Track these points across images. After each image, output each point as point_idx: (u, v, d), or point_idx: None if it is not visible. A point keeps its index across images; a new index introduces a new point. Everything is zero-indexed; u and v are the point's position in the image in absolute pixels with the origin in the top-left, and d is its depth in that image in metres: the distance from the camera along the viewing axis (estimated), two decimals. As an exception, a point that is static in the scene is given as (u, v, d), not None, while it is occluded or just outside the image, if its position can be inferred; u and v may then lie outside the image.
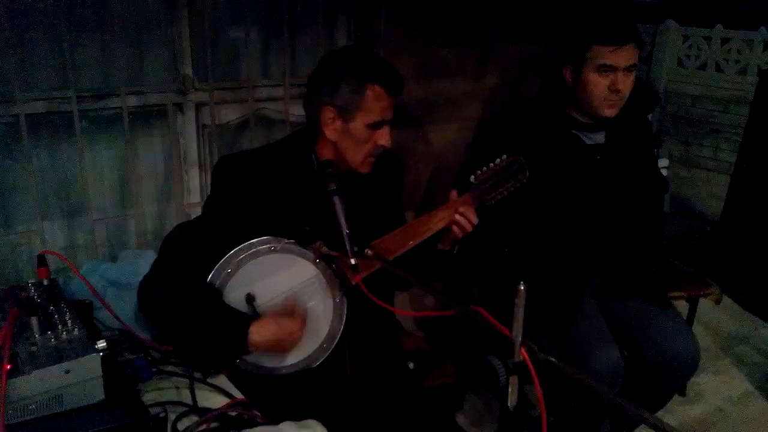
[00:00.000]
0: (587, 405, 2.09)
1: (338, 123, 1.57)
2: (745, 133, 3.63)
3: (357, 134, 1.58)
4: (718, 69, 6.19)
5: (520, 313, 1.04)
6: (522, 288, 1.03)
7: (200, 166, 2.47)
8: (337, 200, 1.54)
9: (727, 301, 3.61)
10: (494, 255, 2.23)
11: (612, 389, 2.01)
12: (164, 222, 2.47)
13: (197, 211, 2.45)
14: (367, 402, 1.69)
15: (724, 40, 6.09)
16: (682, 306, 2.64)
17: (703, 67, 6.32)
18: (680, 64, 6.35)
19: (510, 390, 1.08)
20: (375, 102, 1.56)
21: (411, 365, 2.02)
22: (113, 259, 2.30)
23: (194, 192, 2.47)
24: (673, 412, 2.57)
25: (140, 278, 1.61)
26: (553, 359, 1.06)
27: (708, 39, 6.21)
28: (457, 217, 1.64)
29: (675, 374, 2.12)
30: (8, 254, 2.16)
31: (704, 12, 6.19)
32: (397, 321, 1.92)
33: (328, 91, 1.56)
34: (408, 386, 1.80)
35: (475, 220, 1.65)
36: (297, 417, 1.43)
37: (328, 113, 1.57)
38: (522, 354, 1.05)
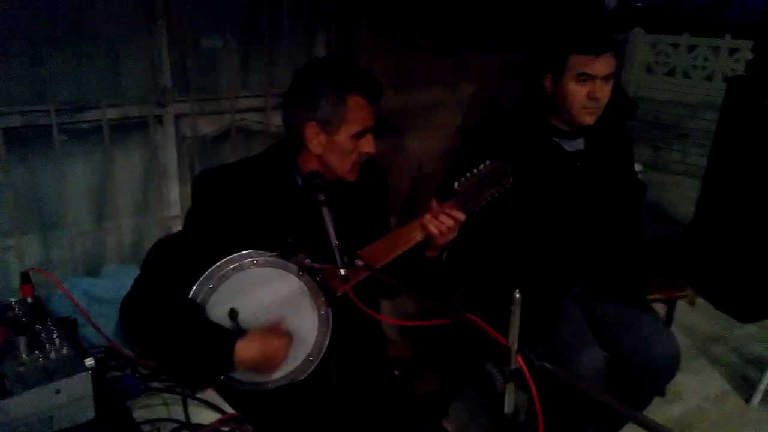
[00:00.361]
0: (573, 408, 2.11)
1: (322, 137, 1.57)
2: (715, 137, 3.72)
3: (342, 146, 1.57)
4: (686, 75, 6.35)
5: (515, 321, 1.05)
6: (518, 296, 1.04)
7: (180, 179, 2.44)
8: (325, 211, 1.53)
9: (700, 302, 3.70)
10: (478, 261, 2.25)
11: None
12: (143, 235, 2.44)
13: (177, 224, 2.43)
14: (354, 412, 1.69)
15: (691, 48, 6.26)
16: (660, 308, 2.69)
17: (671, 73, 6.47)
18: (649, 71, 6.50)
19: (506, 397, 1.09)
20: (357, 112, 1.55)
21: (397, 373, 2.02)
22: (92, 273, 2.26)
23: (174, 205, 2.45)
24: (653, 413, 2.59)
25: (125, 294, 1.58)
26: (548, 365, 1.07)
27: (675, 46, 6.38)
28: (439, 222, 1.62)
29: (657, 375, 2.15)
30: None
31: (671, 20, 6.35)
32: (382, 330, 1.92)
33: (309, 107, 1.54)
34: (396, 395, 1.80)
35: (455, 224, 1.65)
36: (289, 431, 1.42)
37: (311, 128, 1.56)
38: (518, 361, 1.06)
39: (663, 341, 2.12)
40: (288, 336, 1.53)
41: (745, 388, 2.95)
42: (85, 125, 2.19)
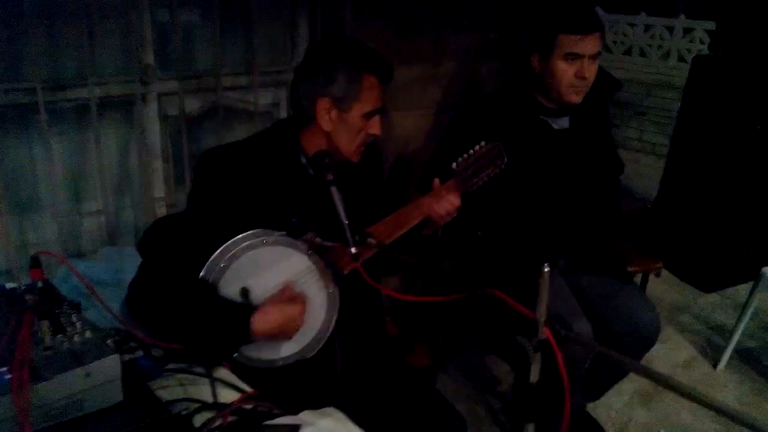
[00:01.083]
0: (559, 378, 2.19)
1: (334, 113, 1.58)
2: (678, 116, 3.85)
3: (352, 124, 1.59)
4: (642, 54, 6.51)
5: (544, 294, 1.10)
6: (546, 270, 1.09)
7: (164, 158, 2.40)
8: (334, 191, 1.54)
9: (665, 273, 3.86)
10: (468, 237, 2.29)
11: (585, 361, 2.13)
12: (128, 216, 2.40)
13: (162, 205, 2.40)
14: (357, 389, 1.72)
15: (647, 27, 6.41)
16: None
17: (628, 52, 6.63)
18: (607, 49, 6.64)
19: (533, 367, 1.14)
20: (370, 91, 1.57)
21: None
22: (76, 255, 2.22)
23: (158, 185, 2.40)
24: (628, 379, 2.72)
25: (123, 276, 1.57)
26: (573, 335, 1.12)
27: (632, 26, 6.52)
28: (443, 202, 1.68)
29: (639, 344, 2.26)
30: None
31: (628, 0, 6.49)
32: (383, 308, 1.95)
33: (324, 82, 1.55)
34: (393, 366, 1.83)
35: (458, 204, 1.70)
36: (303, 405, 1.44)
37: (324, 104, 1.57)
38: (545, 332, 1.11)
39: (645, 312, 2.22)
40: (302, 301, 1.55)
41: (711, 354, 3.12)
42: (66, 104, 2.12)
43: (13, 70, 1.97)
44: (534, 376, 1.15)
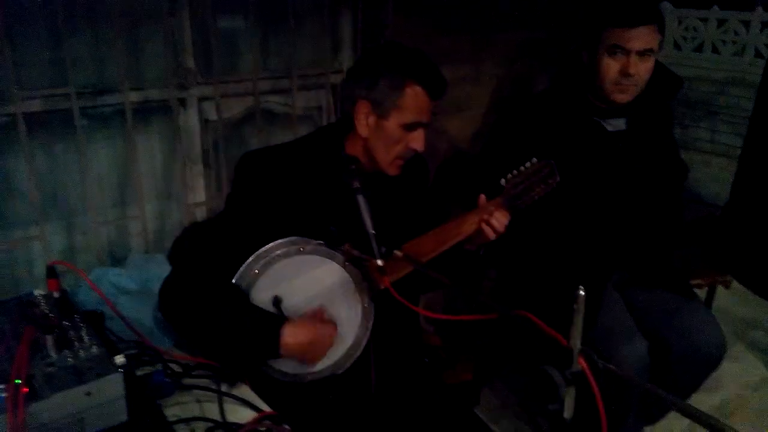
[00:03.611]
0: (614, 399, 2.04)
1: (372, 119, 1.51)
2: (752, 116, 3.57)
3: (389, 133, 1.51)
4: (715, 50, 6.16)
5: (579, 320, 0.97)
6: (582, 293, 0.96)
7: (204, 163, 2.37)
8: (360, 199, 1.46)
9: (735, 285, 3.59)
10: (512, 248, 2.16)
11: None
12: (167, 222, 2.38)
13: (202, 210, 2.37)
14: (392, 409, 1.63)
15: (720, 22, 6.06)
16: (699, 293, 2.60)
17: (699, 48, 6.28)
18: (676, 46, 6.31)
19: (567, 401, 1.02)
20: (413, 102, 1.49)
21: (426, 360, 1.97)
22: (116, 261, 2.21)
23: (198, 190, 2.38)
24: (692, 402, 2.52)
25: (152, 284, 1.53)
26: (613, 367, 1.00)
27: (704, 20, 6.17)
28: (492, 221, 1.56)
29: (701, 366, 2.08)
30: (5, 260, 2.06)
31: (700, -7, 6.15)
32: (420, 325, 1.86)
33: (366, 85, 1.49)
34: (429, 384, 1.74)
35: (506, 223, 1.58)
36: (327, 428, 1.37)
37: (363, 107, 1.50)
38: (580, 363, 0.99)
39: (708, 331, 2.05)
40: (334, 325, 1.49)
41: (787, 375, 2.87)
42: (105, 110, 2.12)
43: (51, 76, 1.97)
44: (568, 412, 1.03)
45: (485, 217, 1.55)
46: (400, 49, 1.54)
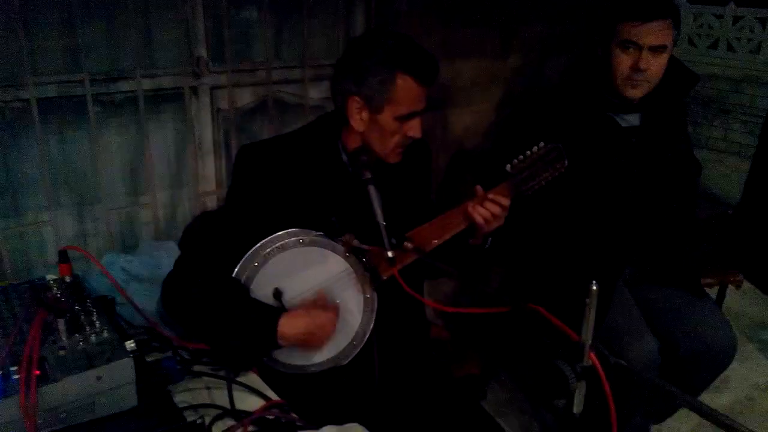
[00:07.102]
0: (622, 396, 2.03)
1: (365, 114, 1.47)
2: (767, 115, 3.54)
3: (385, 126, 1.48)
4: (730, 48, 6.09)
5: (591, 315, 0.97)
6: (595, 288, 0.96)
7: (215, 152, 2.38)
8: (372, 190, 1.46)
9: (746, 285, 3.56)
10: (521, 243, 2.15)
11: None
12: (178, 210, 2.39)
13: (212, 199, 2.38)
14: (396, 400, 1.63)
15: (736, 19, 5.99)
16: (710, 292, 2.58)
17: (714, 46, 6.21)
18: (691, 43, 6.25)
19: (576, 396, 1.01)
20: (405, 93, 1.44)
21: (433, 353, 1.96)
22: (127, 247, 2.22)
23: (209, 179, 2.38)
24: (701, 398, 2.52)
25: (162, 271, 1.53)
26: (623, 363, 0.99)
27: (720, 17, 6.11)
28: (479, 208, 1.53)
29: (711, 365, 2.07)
30: (18, 245, 2.07)
31: (716, -10, 6.07)
32: (426, 315, 1.85)
33: (355, 80, 1.45)
34: (435, 377, 1.73)
35: (505, 207, 1.55)
36: (333, 418, 1.37)
37: (355, 103, 1.47)
38: (591, 358, 0.98)
39: (719, 330, 2.03)
40: (334, 309, 1.47)
41: (797, 376, 2.85)
42: (118, 96, 2.12)
43: (65, 62, 1.98)
44: (578, 407, 1.02)
45: (475, 204, 1.52)
46: (385, 38, 1.48)
